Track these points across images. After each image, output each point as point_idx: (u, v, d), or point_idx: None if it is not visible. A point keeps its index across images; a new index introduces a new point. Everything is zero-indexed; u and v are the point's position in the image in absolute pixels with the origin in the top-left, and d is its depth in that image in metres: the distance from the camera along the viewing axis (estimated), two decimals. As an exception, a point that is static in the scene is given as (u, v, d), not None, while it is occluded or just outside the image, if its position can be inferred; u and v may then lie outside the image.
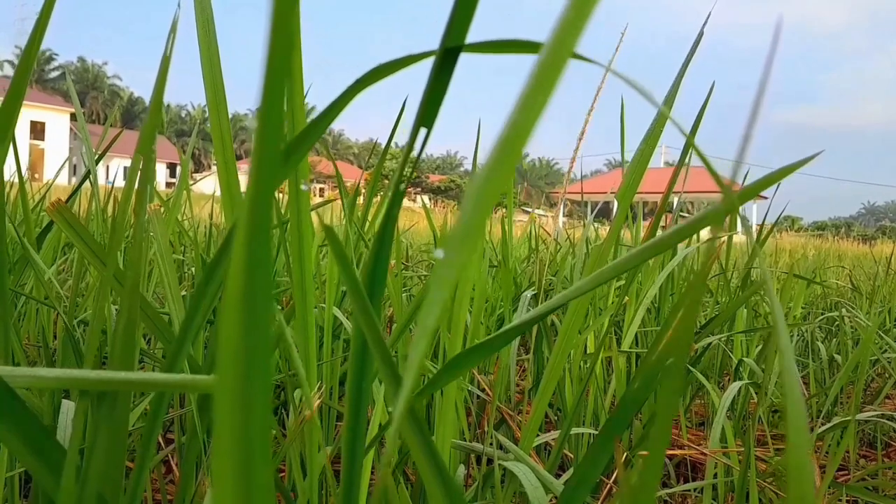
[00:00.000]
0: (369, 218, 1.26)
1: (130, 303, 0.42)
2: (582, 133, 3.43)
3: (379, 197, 1.33)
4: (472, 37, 0.36)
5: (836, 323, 2.18)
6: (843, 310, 2.05)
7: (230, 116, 0.67)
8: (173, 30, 0.50)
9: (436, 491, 0.36)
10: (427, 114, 0.37)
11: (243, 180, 0.83)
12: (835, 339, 2.07)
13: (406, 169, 0.41)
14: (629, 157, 0.77)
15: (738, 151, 0.28)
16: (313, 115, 0.42)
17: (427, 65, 0.37)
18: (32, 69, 0.47)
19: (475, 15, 0.34)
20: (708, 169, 0.35)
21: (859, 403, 1.47)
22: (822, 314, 2.39)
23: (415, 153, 0.38)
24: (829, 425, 1.10)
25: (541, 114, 0.18)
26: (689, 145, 0.79)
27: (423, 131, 0.37)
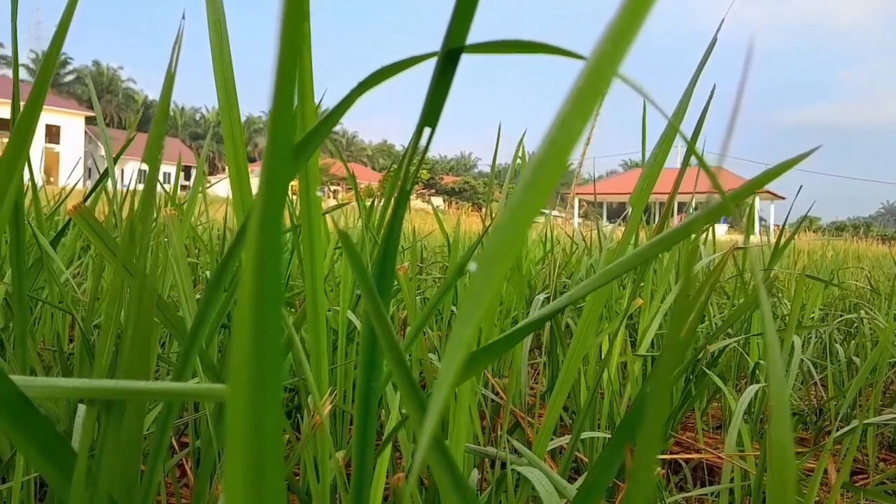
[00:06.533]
0: (385, 222, 1.26)
1: (146, 308, 0.42)
2: (588, 139, 3.43)
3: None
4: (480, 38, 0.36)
5: (855, 324, 2.15)
6: (862, 311, 2.03)
7: (244, 119, 0.67)
8: (178, 42, 0.50)
9: (451, 496, 0.36)
10: (430, 114, 0.37)
11: (255, 182, 0.83)
12: (853, 341, 2.05)
13: (412, 168, 0.41)
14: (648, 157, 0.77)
15: (722, 147, 0.28)
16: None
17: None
18: (50, 81, 0.47)
19: (475, 17, 0.34)
20: (703, 168, 0.35)
21: (878, 406, 1.45)
22: (841, 316, 2.36)
23: (420, 152, 0.38)
24: (846, 428, 1.09)
25: (580, 135, 0.18)
26: (693, 144, 0.79)
27: (426, 131, 0.38)
